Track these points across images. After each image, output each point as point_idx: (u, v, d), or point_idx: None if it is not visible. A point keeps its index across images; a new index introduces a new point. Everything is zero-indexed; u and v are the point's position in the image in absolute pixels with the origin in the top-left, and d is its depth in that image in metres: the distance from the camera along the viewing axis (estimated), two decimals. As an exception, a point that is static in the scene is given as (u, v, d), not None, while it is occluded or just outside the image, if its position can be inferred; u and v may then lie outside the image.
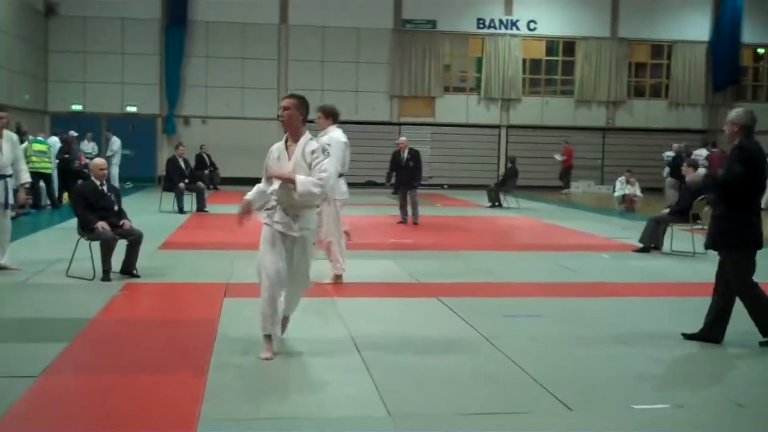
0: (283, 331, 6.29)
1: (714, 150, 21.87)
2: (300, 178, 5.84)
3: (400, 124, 29.61)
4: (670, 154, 23.06)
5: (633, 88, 31.65)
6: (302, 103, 6.18)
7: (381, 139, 27.09)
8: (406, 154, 16.42)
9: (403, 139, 17.06)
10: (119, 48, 27.97)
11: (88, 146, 23.10)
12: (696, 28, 31.11)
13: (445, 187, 29.11)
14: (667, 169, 22.67)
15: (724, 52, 30.72)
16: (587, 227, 16.27)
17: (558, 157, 27.62)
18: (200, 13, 28.28)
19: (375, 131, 28.09)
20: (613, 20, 30.85)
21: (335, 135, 8.86)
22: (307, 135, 6.19)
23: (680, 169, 22.82)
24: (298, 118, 6.15)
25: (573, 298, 8.73)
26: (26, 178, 10.13)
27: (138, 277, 9.24)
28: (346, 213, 9.65)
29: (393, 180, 16.93)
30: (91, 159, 16.24)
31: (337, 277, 9.22)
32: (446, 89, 30.53)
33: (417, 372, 5.78)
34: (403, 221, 16.37)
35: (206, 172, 24.83)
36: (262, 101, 28.61)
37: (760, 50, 32.45)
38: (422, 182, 17.33)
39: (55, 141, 19.91)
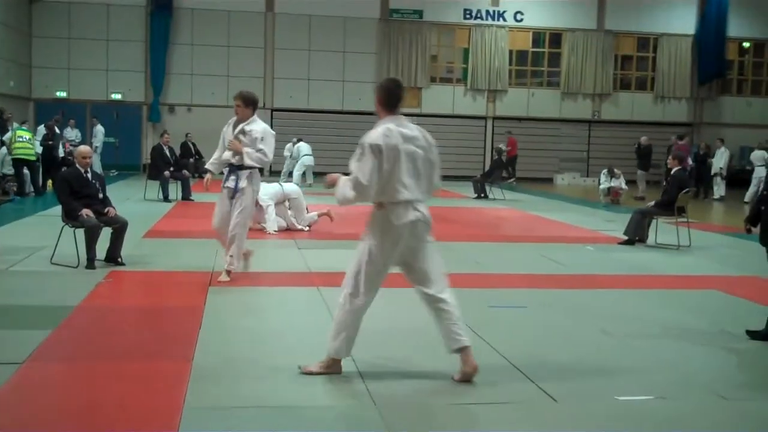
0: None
1: (680, 142, 22.05)
2: None
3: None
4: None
5: (619, 80, 31.74)
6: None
7: (367, 129, 26.90)
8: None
9: None
10: (104, 34, 27.80)
11: (71, 133, 22.97)
12: (682, 21, 31.21)
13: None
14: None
15: (710, 45, 30.84)
16: (573, 219, 16.31)
17: (503, 147, 27.45)
18: (185, 0, 28.13)
19: (361, 122, 28.00)
20: (600, 12, 30.89)
21: (266, 127, 8.93)
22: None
23: (648, 161, 23.39)
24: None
25: (558, 290, 8.75)
26: None
27: (123, 265, 9.20)
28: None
29: None
30: (75, 146, 16.21)
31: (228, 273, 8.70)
32: (433, 80, 30.52)
33: (402, 362, 5.78)
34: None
35: (191, 160, 24.67)
36: (248, 89, 28.46)
37: (746, 44, 32.57)
38: None
39: (42, 130, 19.87)
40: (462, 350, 5.29)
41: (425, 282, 5.47)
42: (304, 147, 23.11)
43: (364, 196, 5.20)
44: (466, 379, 5.24)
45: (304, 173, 23.19)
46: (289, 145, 23.82)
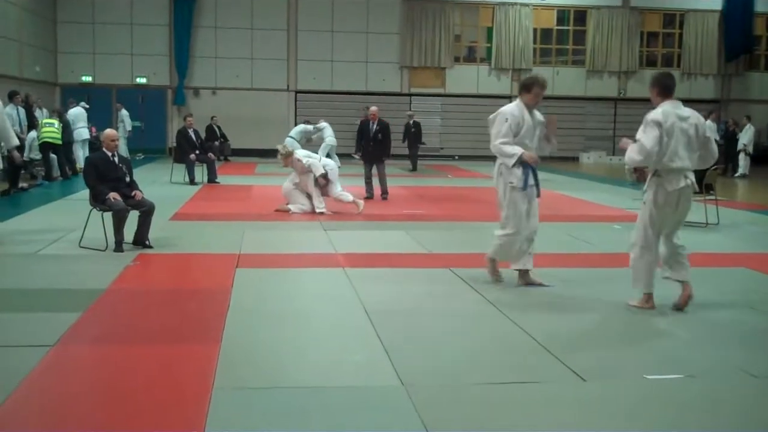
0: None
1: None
2: None
3: (410, 95, 29.51)
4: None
5: (645, 57, 31.43)
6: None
7: (391, 110, 26.96)
8: (374, 126, 15.38)
9: (374, 108, 15.81)
10: (128, 19, 27.90)
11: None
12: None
13: (456, 158, 29.05)
14: None
15: (737, 21, 30.43)
16: (599, 198, 16.21)
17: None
18: (209, -17, 28.16)
19: (385, 102, 27.95)
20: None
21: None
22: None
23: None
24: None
25: (585, 269, 8.71)
26: (14, 142, 10.89)
27: (150, 247, 9.26)
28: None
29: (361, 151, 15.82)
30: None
31: None
32: (456, 60, 30.38)
33: (429, 342, 5.78)
34: (369, 197, 15.22)
35: (217, 143, 24.82)
36: (272, 72, 28.55)
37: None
38: (390, 155, 15.99)
39: (78, 111, 20.13)
40: (684, 283, 6.70)
41: (673, 235, 6.74)
42: (328, 128, 23.02)
43: (647, 159, 6.50)
44: (684, 303, 6.65)
45: (328, 154, 23.16)
46: (306, 126, 23.36)
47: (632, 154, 6.55)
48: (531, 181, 7.47)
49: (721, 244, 10.56)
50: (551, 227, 12.05)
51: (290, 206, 12.97)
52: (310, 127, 23.31)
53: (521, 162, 7.38)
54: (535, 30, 30.44)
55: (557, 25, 31.03)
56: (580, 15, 30.90)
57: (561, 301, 7.09)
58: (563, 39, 31.16)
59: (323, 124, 23.30)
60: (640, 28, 30.95)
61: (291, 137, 21.99)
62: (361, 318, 6.38)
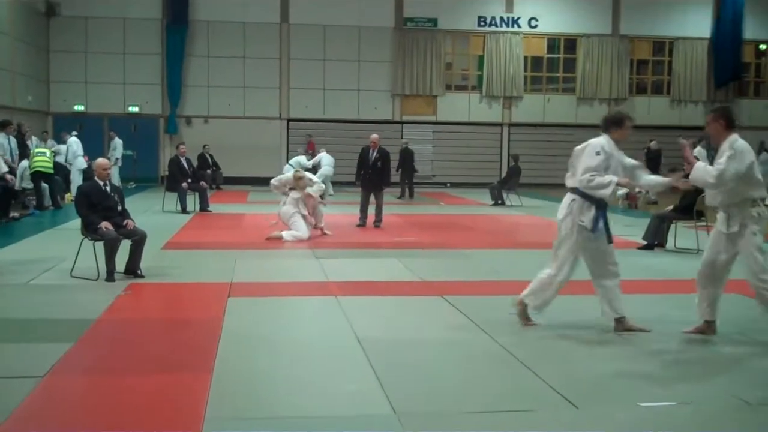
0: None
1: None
2: None
3: (402, 123, 29.61)
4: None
5: (635, 85, 31.63)
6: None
7: (384, 138, 26.94)
8: (375, 153, 15.35)
9: (375, 136, 15.84)
10: (121, 48, 27.99)
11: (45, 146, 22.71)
12: (697, 24, 31.07)
13: (448, 185, 29.10)
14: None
15: (726, 48, 30.65)
16: (590, 224, 16.22)
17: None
18: (201, 12, 28.27)
19: (377, 130, 27.98)
20: (615, 17, 30.79)
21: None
22: None
23: (658, 165, 23.38)
24: None
25: (577, 296, 8.70)
26: (2, 169, 11.74)
27: (142, 277, 9.24)
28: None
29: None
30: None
31: None
32: (448, 87, 30.51)
33: (421, 370, 5.77)
34: (362, 224, 15.19)
35: (209, 171, 24.83)
36: (264, 100, 28.64)
37: (762, 46, 32.37)
38: (390, 184, 16.01)
39: (73, 141, 20.49)
40: None
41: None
42: (326, 158, 23.05)
43: (719, 185, 6.44)
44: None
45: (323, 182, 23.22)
46: (301, 158, 23.51)
47: (705, 175, 6.48)
48: (601, 224, 6.90)
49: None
50: (543, 254, 12.03)
51: (283, 233, 12.97)
52: (303, 159, 23.41)
53: (597, 203, 6.84)
54: (525, 58, 30.61)
55: (548, 53, 31.23)
56: (570, 43, 31.11)
57: (554, 330, 7.08)
58: (554, 67, 31.35)
59: (322, 153, 23.41)
60: (629, 56, 31.16)
61: (290, 165, 22.12)
62: (353, 347, 6.36)
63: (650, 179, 7.26)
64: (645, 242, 12.49)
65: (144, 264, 9.44)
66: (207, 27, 28.43)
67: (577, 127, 30.70)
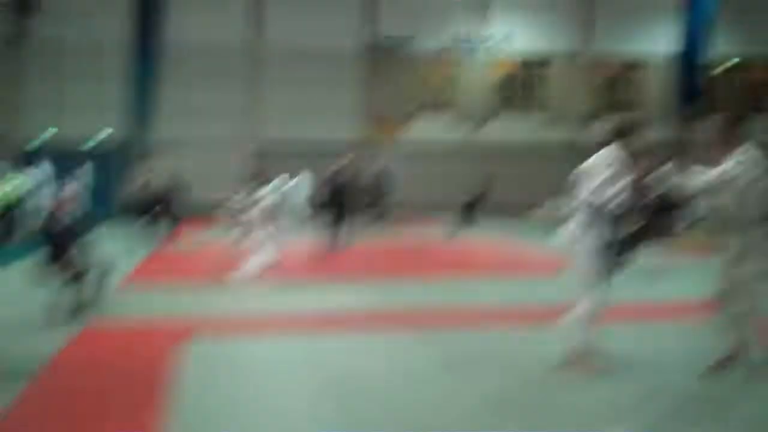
0: None
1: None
2: None
3: (374, 144, 29.57)
4: None
5: (603, 104, 31.76)
6: None
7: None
8: (345, 177, 15.09)
9: (347, 159, 15.52)
10: (88, 74, 27.70)
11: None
12: (666, 41, 31.41)
13: (420, 208, 29.05)
14: None
15: (693, 65, 31.07)
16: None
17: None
18: (171, 35, 28.06)
19: (349, 152, 28.03)
20: (585, 36, 31.11)
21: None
22: None
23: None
24: None
25: (539, 325, 8.68)
26: None
27: (100, 314, 9.06)
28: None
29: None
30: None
31: None
32: (421, 108, 30.50)
33: (383, 402, 5.71)
34: (329, 252, 14.97)
35: (174, 200, 24.55)
36: (235, 123, 28.56)
37: (730, 63, 32.70)
38: (365, 209, 15.88)
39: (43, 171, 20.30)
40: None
41: None
42: (305, 181, 23.05)
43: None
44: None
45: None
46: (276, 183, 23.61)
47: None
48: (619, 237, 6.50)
49: (669, 291, 10.60)
50: (508, 280, 12.05)
51: (239, 273, 12.62)
52: (279, 182, 23.45)
53: (609, 219, 6.43)
54: (498, 78, 30.75)
55: (519, 73, 31.37)
56: (542, 63, 31.27)
57: (518, 358, 7.03)
58: (525, 87, 31.49)
59: (298, 177, 23.49)
60: (598, 76, 31.39)
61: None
62: (323, 382, 6.27)
63: None
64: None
65: (106, 298, 9.26)
66: (177, 50, 28.22)
67: (548, 146, 30.94)
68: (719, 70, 32.31)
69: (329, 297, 10.67)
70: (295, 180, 23.42)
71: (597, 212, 6.42)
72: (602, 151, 6.57)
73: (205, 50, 28.41)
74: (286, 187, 23.33)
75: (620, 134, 6.61)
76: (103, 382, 6.60)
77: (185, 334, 8.24)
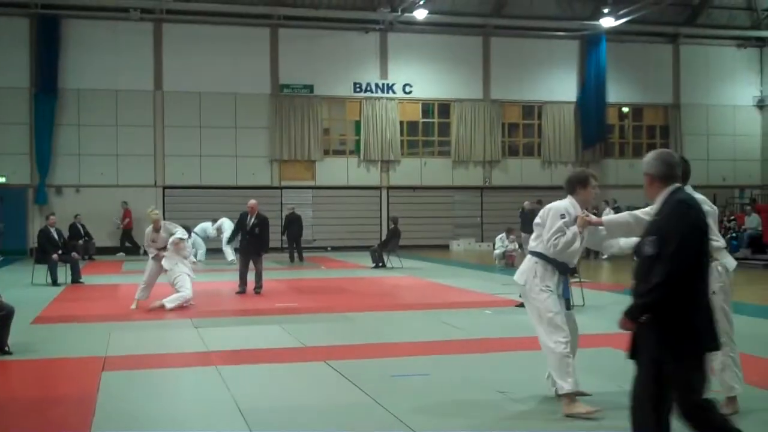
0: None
1: (537, 205, 23.09)
2: None
3: (281, 188, 29.55)
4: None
5: (507, 147, 32.57)
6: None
7: (263, 203, 26.79)
8: (252, 219, 15.19)
9: (252, 202, 15.61)
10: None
11: None
12: (564, 88, 32.44)
13: (329, 249, 29.10)
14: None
15: (591, 111, 32.13)
16: (469, 284, 16.48)
17: (116, 220, 27.67)
18: (70, 80, 27.61)
19: (257, 196, 27.84)
20: (485, 83, 31.81)
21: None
22: None
23: (531, 225, 24.02)
24: None
25: (458, 355, 8.77)
26: None
27: (10, 353, 8.76)
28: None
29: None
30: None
31: None
32: (326, 152, 30.67)
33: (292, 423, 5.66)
34: (242, 291, 14.88)
35: (80, 242, 24.09)
36: (139, 168, 28.09)
37: (625, 109, 34.09)
38: (267, 250, 15.79)
39: None
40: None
41: None
42: (227, 223, 22.99)
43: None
44: None
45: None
46: (207, 224, 24.00)
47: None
48: (566, 292, 6.60)
49: (586, 325, 10.83)
50: (424, 315, 12.16)
51: (164, 301, 12.54)
52: (208, 225, 23.72)
53: (560, 268, 6.48)
54: (401, 122, 31.17)
55: (423, 117, 31.89)
56: (444, 108, 31.88)
57: (436, 390, 7.08)
58: (429, 131, 32.02)
59: (222, 219, 23.47)
60: (501, 120, 32.14)
61: (195, 233, 22.17)
62: (236, 418, 6.18)
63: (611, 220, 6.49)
64: (522, 300, 12.72)
65: (12, 340, 8.96)
66: (77, 95, 27.76)
67: (454, 189, 31.45)
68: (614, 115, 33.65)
69: (246, 332, 10.56)
70: (216, 223, 23.55)
71: (545, 260, 6.49)
72: (558, 202, 6.56)
73: (106, 95, 27.97)
74: (204, 229, 23.56)
75: (573, 186, 6.58)
76: (14, 419, 6.36)
77: (98, 368, 8.03)
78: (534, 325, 6.60)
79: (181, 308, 12.57)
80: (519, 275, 6.73)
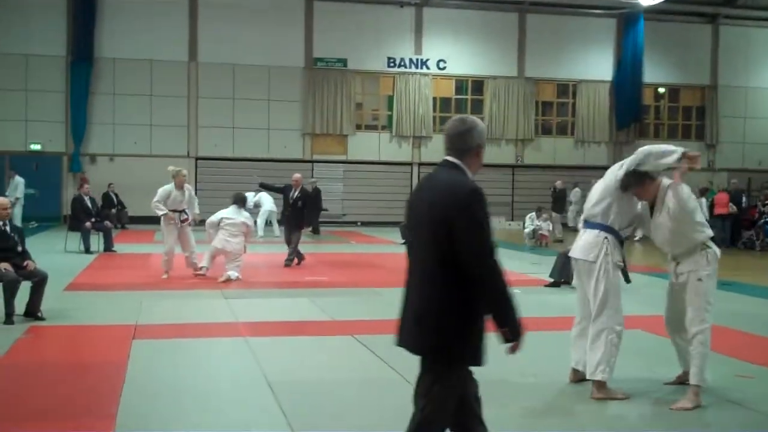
0: None
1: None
2: None
3: (312, 162, 29.58)
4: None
5: (540, 126, 32.36)
6: None
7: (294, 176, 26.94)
8: (296, 193, 15.35)
9: (297, 176, 15.77)
10: (23, 85, 27.23)
11: None
12: (599, 67, 32.07)
13: (359, 224, 29.13)
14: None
15: (627, 91, 31.72)
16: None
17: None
18: (106, 49, 27.74)
19: (287, 169, 27.94)
20: (520, 60, 31.53)
21: None
22: None
23: (563, 204, 24.04)
24: None
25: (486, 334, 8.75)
26: None
27: (43, 319, 8.91)
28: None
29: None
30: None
31: None
32: (358, 127, 30.64)
33: (332, 413, 5.68)
34: (289, 263, 15.13)
35: (113, 210, 24.31)
36: (172, 139, 28.23)
37: (661, 89, 33.63)
38: (309, 226, 15.96)
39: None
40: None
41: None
42: (265, 198, 23.09)
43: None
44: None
45: (269, 221, 23.38)
46: (249, 194, 23.89)
47: None
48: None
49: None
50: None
51: (230, 273, 12.65)
52: (251, 194, 23.75)
53: (622, 241, 6.32)
54: (434, 99, 31.05)
55: (456, 94, 31.72)
56: (478, 85, 31.69)
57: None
58: (462, 108, 31.82)
59: (261, 194, 23.51)
60: (535, 98, 31.90)
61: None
62: (263, 390, 6.24)
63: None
64: (552, 279, 12.69)
65: (45, 306, 9.11)
66: (113, 64, 27.91)
67: (486, 167, 31.06)
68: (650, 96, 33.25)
69: (275, 304, 10.63)
70: (256, 196, 23.57)
71: (611, 233, 6.25)
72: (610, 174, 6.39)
73: (141, 65, 28.09)
74: (253, 201, 23.61)
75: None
76: (49, 381, 6.47)
77: (129, 336, 8.13)
78: (589, 299, 6.29)
79: (210, 279, 12.68)
80: (584, 251, 6.26)
